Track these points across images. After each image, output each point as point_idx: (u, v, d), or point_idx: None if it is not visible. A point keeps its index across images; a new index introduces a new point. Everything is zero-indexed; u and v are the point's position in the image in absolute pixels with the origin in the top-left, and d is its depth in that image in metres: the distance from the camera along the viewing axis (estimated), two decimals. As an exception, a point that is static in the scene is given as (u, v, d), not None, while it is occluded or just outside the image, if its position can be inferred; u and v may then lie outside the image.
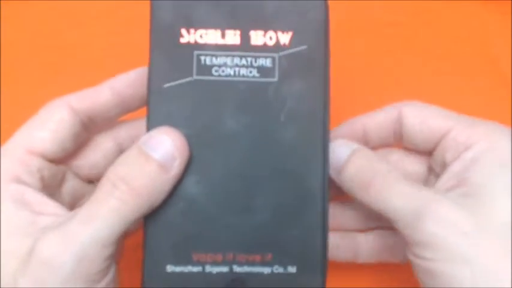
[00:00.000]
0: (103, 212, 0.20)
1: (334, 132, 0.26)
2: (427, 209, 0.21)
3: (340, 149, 0.24)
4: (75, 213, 0.21)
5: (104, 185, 0.21)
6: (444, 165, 0.23)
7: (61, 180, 0.25)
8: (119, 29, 0.36)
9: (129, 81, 0.24)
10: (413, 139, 0.25)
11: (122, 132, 0.26)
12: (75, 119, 0.24)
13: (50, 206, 0.22)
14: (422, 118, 0.24)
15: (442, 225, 0.20)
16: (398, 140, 0.26)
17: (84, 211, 0.21)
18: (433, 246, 0.20)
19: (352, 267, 0.28)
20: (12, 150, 0.23)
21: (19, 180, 0.22)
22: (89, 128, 0.25)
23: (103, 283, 0.21)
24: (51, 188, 0.24)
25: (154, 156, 0.21)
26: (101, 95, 0.24)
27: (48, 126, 0.23)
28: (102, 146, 0.26)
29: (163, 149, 0.21)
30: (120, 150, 0.25)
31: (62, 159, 0.24)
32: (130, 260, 0.25)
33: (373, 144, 0.26)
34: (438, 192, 0.22)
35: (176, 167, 0.21)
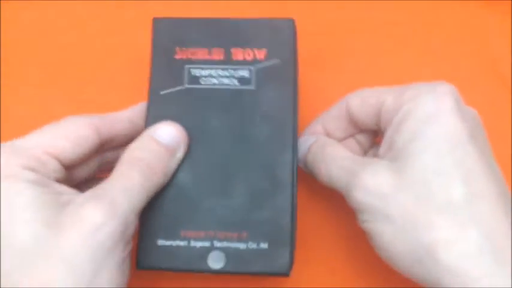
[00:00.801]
0: (133, 184, 0.23)
1: (304, 131, 0.30)
2: (354, 179, 0.24)
3: (302, 144, 0.28)
4: (109, 186, 0.22)
5: (124, 164, 0.23)
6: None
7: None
8: (119, 29, 0.36)
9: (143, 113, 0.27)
10: (360, 120, 0.27)
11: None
12: (97, 139, 0.25)
13: (68, 190, 0.23)
14: (362, 99, 0.26)
15: (364, 192, 0.23)
16: (355, 127, 0.28)
17: (116, 183, 0.23)
18: (363, 211, 0.24)
19: (353, 267, 0.30)
20: (31, 148, 0.23)
21: (35, 170, 0.23)
22: (101, 148, 0.26)
23: (130, 247, 0.23)
24: None
25: (163, 142, 0.25)
26: (120, 124, 0.27)
27: (73, 138, 0.24)
28: None
29: (170, 136, 0.25)
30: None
31: (72, 168, 0.25)
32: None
33: (336, 135, 0.29)
34: (368, 161, 0.25)
35: (181, 151, 0.26)
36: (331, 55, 0.35)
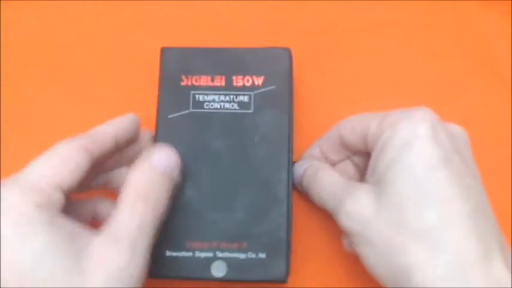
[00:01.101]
0: (147, 222, 0.24)
1: (303, 154, 0.32)
2: (339, 204, 0.26)
3: (298, 168, 0.31)
4: (123, 225, 0.23)
5: (132, 197, 0.24)
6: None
7: None
8: (119, 29, 0.36)
9: (127, 132, 0.28)
10: (352, 145, 0.29)
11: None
12: (89, 161, 0.25)
13: (77, 228, 0.23)
14: (351, 126, 0.28)
15: (348, 218, 0.25)
16: (349, 150, 0.30)
17: (131, 222, 0.23)
18: (348, 234, 0.26)
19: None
20: (36, 182, 0.23)
21: (44, 207, 0.22)
22: (93, 169, 0.26)
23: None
24: None
25: (164, 170, 0.26)
26: (107, 144, 0.27)
27: (69, 165, 0.24)
28: None
29: (168, 162, 0.26)
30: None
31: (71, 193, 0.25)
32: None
33: (333, 158, 0.31)
34: (353, 187, 0.26)
35: (178, 175, 0.27)
36: (331, 55, 0.36)
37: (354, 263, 0.28)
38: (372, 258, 0.24)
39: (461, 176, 0.24)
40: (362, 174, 0.31)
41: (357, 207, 0.25)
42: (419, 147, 0.24)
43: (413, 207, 0.23)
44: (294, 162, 0.32)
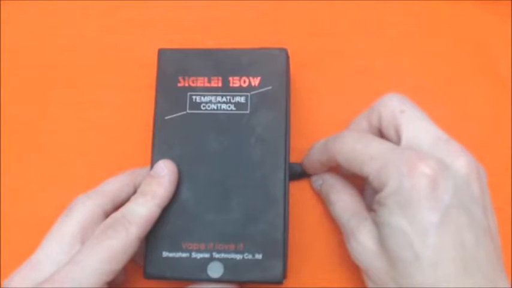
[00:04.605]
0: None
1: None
2: (348, 235, 0.28)
3: (313, 183, 0.33)
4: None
5: (119, 225, 0.26)
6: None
7: None
8: (116, 31, 0.37)
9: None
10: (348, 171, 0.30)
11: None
12: (103, 218, 0.28)
13: None
14: (349, 166, 0.28)
15: (353, 250, 0.27)
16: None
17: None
18: (356, 261, 0.27)
19: (349, 267, 0.31)
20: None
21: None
22: None
23: None
24: None
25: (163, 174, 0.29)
26: (118, 199, 0.30)
27: (86, 224, 0.28)
28: None
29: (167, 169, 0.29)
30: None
31: None
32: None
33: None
34: (359, 221, 0.27)
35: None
36: (329, 56, 0.36)
37: (352, 263, 0.28)
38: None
39: (457, 232, 0.24)
40: None
41: (360, 249, 0.27)
42: (413, 211, 0.24)
43: (403, 267, 0.24)
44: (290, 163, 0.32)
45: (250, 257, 0.28)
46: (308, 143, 0.33)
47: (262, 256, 0.28)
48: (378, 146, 0.26)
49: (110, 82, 0.36)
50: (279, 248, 0.28)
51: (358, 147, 0.27)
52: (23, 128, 0.35)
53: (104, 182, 0.30)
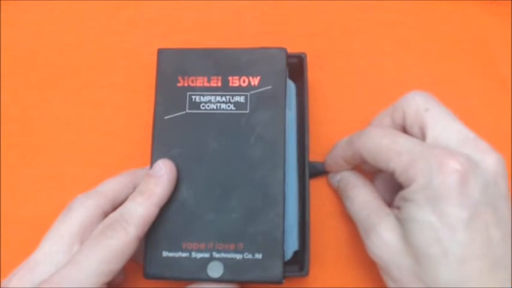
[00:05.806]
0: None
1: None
2: (367, 232, 0.28)
3: (330, 179, 0.33)
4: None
5: (116, 227, 0.26)
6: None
7: None
8: (116, 30, 0.37)
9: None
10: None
11: None
12: (102, 218, 0.28)
13: None
14: (374, 161, 0.28)
15: (373, 247, 0.27)
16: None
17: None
18: (373, 259, 0.27)
19: (353, 267, 0.32)
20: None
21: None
22: None
23: None
24: None
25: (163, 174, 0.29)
26: (118, 200, 0.29)
27: (85, 225, 0.28)
28: None
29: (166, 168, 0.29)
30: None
31: None
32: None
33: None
34: (380, 217, 0.27)
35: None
36: (330, 56, 0.36)
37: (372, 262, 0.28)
38: (395, 281, 0.26)
39: (485, 228, 0.24)
40: None
41: (382, 245, 0.26)
42: (442, 206, 0.24)
43: (429, 263, 0.24)
44: (310, 162, 0.32)
45: (250, 256, 0.28)
46: (311, 142, 0.33)
47: (262, 256, 0.28)
48: (405, 142, 0.26)
49: (110, 82, 0.36)
50: (279, 247, 0.28)
51: (384, 143, 0.27)
52: (23, 128, 0.35)
53: (103, 182, 0.30)
